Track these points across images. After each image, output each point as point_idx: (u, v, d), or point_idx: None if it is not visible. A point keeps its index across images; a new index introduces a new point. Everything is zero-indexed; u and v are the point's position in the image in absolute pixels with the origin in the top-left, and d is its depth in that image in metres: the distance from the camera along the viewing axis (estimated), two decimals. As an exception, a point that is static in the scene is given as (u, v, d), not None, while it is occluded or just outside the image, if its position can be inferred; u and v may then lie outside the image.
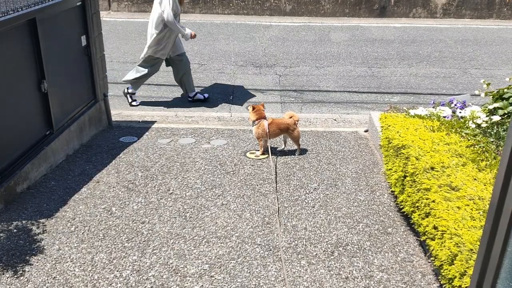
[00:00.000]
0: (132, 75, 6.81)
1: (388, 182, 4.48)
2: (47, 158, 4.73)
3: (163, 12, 6.40)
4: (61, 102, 5.00)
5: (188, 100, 7.04)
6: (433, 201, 3.32)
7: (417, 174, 3.67)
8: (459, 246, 2.86)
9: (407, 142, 4.07)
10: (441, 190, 3.36)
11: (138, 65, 6.81)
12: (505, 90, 4.67)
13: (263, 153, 5.19)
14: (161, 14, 6.44)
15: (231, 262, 3.56)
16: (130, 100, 6.90)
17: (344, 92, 7.50)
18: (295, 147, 5.31)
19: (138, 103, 6.91)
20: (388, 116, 4.78)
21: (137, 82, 6.86)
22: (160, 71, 8.20)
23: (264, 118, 5.18)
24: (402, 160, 4.00)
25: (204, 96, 7.07)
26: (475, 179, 3.45)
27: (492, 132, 4.17)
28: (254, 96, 7.28)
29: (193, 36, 6.75)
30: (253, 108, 5.25)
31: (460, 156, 3.77)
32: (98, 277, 3.39)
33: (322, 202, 4.36)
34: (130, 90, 6.88)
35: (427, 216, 3.37)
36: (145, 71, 6.75)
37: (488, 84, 4.91)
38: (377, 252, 3.71)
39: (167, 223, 4.00)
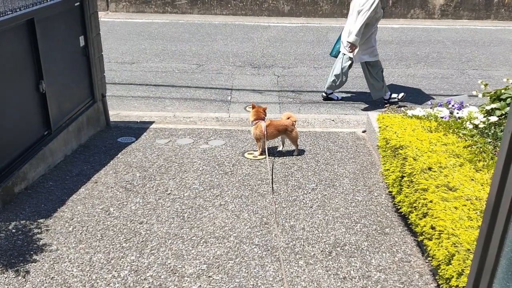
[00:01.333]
0: (372, 87, 6.91)
1: (386, 183, 4.48)
2: (45, 159, 4.72)
3: (360, 11, 6.38)
4: (59, 102, 5.00)
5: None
6: (431, 202, 3.33)
7: (415, 174, 3.68)
8: (457, 246, 2.87)
9: (405, 142, 4.08)
10: (438, 191, 3.37)
11: (371, 72, 6.85)
12: (503, 91, 4.68)
13: (261, 154, 5.19)
14: (359, 14, 6.41)
15: (229, 262, 3.56)
16: (396, 98, 6.92)
17: (342, 92, 7.51)
18: (293, 147, 5.32)
19: (403, 94, 6.99)
20: (385, 116, 4.79)
21: (381, 88, 6.89)
22: (158, 72, 8.22)
23: (262, 119, 5.18)
24: (399, 161, 4.01)
25: (337, 97, 7.19)
26: (472, 179, 3.46)
27: (490, 133, 4.19)
28: (252, 96, 7.29)
29: (351, 49, 6.59)
30: (253, 108, 5.26)
31: (458, 157, 3.79)
32: (96, 277, 3.40)
33: (320, 202, 4.37)
34: (386, 98, 6.95)
35: (424, 216, 3.38)
36: (379, 73, 6.81)
37: (486, 85, 4.92)
38: (375, 252, 3.72)
39: (165, 224, 4.01)
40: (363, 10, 6.37)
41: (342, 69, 6.87)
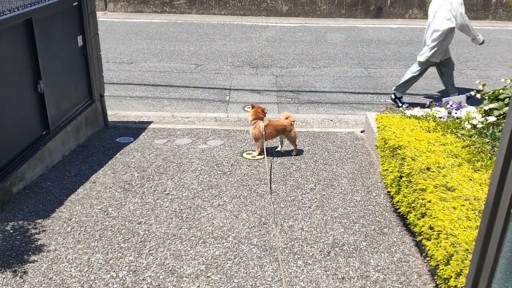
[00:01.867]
0: (402, 79, 6.88)
1: (384, 183, 4.48)
2: (43, 159, 4.71)
3: (455, 16, 6.38)
4: (57, 102, 4.99)
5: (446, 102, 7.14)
6: (429, 202, 3.33)
7: (413, 174, 3.68)
8: (455, 246, 2.88)
9: (403, 142, 4.08)
10: (437, 191, 3.37)
11: (411, 69, 6.85)
12: (501, 91, 4.69)
13: (259, 154, 5.19)
14: (449, 18, 6.40)
15: (227, 263, 3.56)
16: (400, 104, 6.91)
17: (341, 92, 7.52)
18: (292, 147, 5.32)
19: (407, 105, 6.85)
20: (384, 116, 4.79)
21: (404, 86, 6.88)
22: (156, 72, 8.21)
23: (261, 119, 5.18)
24: (398, 161, 4.01)
25: (468, 95, 7.00)
26: (470, 179, 3.47)
27: (488, 133, 4.19)
28: (250, 96, 7.29)
29: (482, 42, 6.80)
30: (252, 108, 5.27)
31: (456, 157, 3.79)
32: (94, 277, 3.39)
33: (319, 202, 4.37)
34: (397, 95, 6.92)
35: (423, 217, 3.38)
36: (416, 74, 6.78)
37: (484, 85, 4.93)
38: (373, 252, 3.72)
39: (163, 224, 4.00)
40: (459, 13, 6.39)
41: (445, 75, 6.90)
